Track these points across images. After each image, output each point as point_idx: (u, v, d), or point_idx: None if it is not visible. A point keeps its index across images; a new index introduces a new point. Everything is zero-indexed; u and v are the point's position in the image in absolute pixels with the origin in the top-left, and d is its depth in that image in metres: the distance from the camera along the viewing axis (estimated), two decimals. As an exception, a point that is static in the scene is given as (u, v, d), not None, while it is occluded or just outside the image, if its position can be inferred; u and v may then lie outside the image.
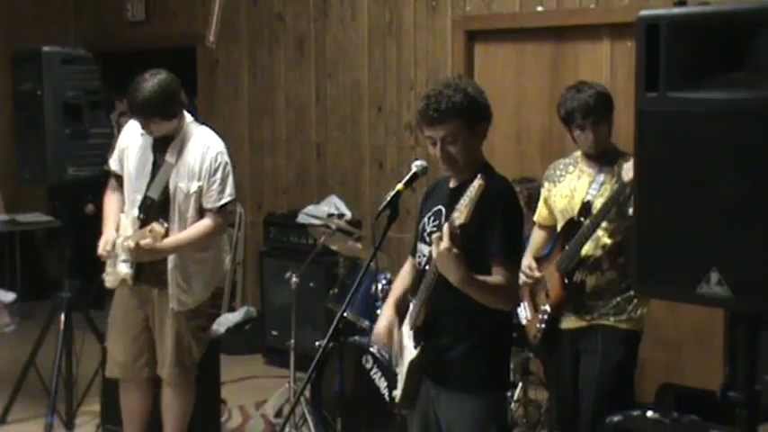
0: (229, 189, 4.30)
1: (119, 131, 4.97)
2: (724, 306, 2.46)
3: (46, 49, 5.09)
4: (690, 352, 5.39)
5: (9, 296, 7.59)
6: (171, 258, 4.30)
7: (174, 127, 4.29)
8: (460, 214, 2.82)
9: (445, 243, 2.84)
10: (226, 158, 4.33)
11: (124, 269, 4.32)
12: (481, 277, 2.98)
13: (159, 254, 4.24)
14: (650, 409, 3.42)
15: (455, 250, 2.85)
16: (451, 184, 3.19)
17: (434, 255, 2.88)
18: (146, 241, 4.14)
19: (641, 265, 2.45)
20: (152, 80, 4.17)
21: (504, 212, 3.03)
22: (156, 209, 4.29)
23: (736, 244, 2.24)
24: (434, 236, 2.89)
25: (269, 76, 7.34)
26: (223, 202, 4.28)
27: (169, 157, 4.30)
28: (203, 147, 4.29)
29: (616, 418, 3.38)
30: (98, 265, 4.53)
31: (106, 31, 8.41)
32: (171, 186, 4.28)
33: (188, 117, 4.39)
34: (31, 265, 8.11)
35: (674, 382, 4.74)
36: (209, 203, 4.26)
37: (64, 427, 5.13)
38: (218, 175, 4.27)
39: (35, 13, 8.47)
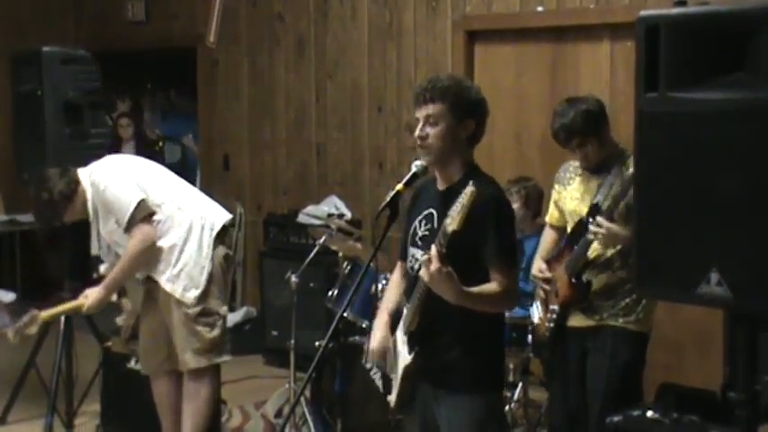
0: (125, 202, 4.29)
1: (116, 132, 5.00)
2: (724, 307, 2.46)
3: (46, 49, 5.09)
4: (690, 352, 5.39)
5: (9, 296, 7.59)
6: (155, 276, 4.40)
7: (78, 205, 4.41)
8: (452, 221, 2.81)
9: (435, 264, 2.84)
10: (107, 182, 4.34)
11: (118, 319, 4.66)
12: (476, 289, 2.98)
13: (107, 297, 4.46)
14: (650, 409, 3.42)
15: (446, 269, 2.85)
16: (440, 186, 3.18)
17: (426, 278, 2.88)
18: (89, 304, 4.42)
19: (641, 265, 2.46)
20: (33, 201, 4.47)
21: (496, 216, 3.02)
22: (109, 259, 4.50)
23: (736, 244, 2.24)
24: (423, 258, 2.89)
25: (269, 76, 7.33)
26: (126, 219, 4.28)
27: (90, 215, 4.43)
28: (95, 190, 4.37)
29: (617, 419, 3.38)
30: (97, 266, 4.56)
31: (106, 32, 8.40)
32: (105, 236, 4.44)
33: (84, 173, 4.44)
34: (31, 265, 8.11)
35: (675, 382, 4.73)
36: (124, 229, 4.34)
37: (64, 427, 5.12)
38: (110, 202, 4.32)
39: (35, 13, 8.46)
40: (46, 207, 4.41)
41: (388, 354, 3.29)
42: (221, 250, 4.49)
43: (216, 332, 4.44)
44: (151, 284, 4.47)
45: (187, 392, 4.50)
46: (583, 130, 3.79)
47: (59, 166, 4.49)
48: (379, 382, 4.46)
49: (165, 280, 4.39)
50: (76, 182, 4.40)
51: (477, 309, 3.01)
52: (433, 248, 2.87)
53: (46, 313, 4.51)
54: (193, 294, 4.38)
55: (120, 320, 4.71)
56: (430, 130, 3.07)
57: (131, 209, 4.27)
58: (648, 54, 2.35)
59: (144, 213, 4.30)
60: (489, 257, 3.03)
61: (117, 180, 4.36)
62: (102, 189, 4.34)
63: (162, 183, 4.49)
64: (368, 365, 4.55)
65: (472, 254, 2.98)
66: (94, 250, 4.51)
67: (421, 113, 3.09)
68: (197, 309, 4.39)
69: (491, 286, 3.02)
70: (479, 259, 3.02)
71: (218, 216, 4.52)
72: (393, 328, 3.26)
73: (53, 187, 4.36)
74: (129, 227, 4.29)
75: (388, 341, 3.25)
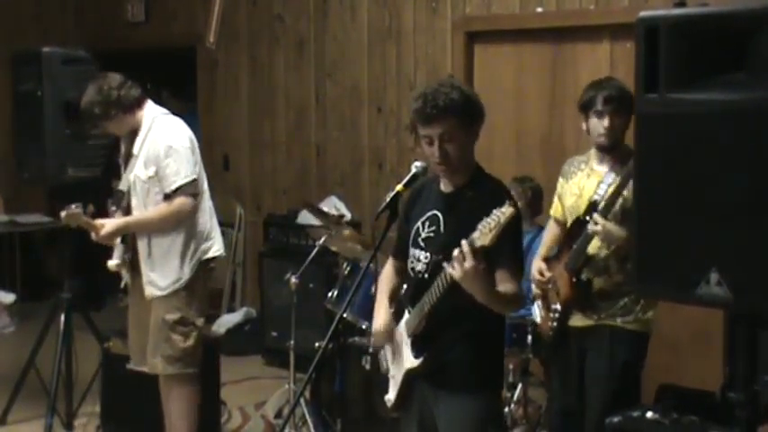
0: (184, 171, 4.28)
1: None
2: (724, 307, 2.46)
3: (46, 49, 5.09)
4: (689, 353, 5.38)
5: (9, 297, 7.59)
6: (140, 247, 4.39)
7: (127, 123, 4.37)
8: (483, 236, 2.77)
9: (470, 262, 2.81)
10: (179, 143, 4.31)
11: (110, 262, 4.50)
12: (501, 289, 3.00)
13: (121, 233, 4.39)
14: (650, 409, 3.42)
15: (482, 266, 2.84)
16: (444, 188, 3.17)
17: (457, 274, 2.84)
18: (105, 230, 4.31)
19: (641, 265, 2.46)
20: (89, 89, 4.36)
21: (509, 223, 3.01)
22: (127, 200, 4.42)
23: (736, 244, 2.24)
24: (455, 254, 2.84)
25: (269, 76, 7.34)
26: (177, 185, 4.26)
27: (135, 150, 4.38)
28: (157, 135, 4.33)
29: (616, 419, 3.38)
30: (97, 265, 4.55)
31: (106, 32, 8.41)
32: (132, 177, 4.38)
33: (153, 109, 4.42)
34: (31, 265, 8.11)
35: (674, 382, 4.74)
36: (165, 189, 4.30)
37: (63, 427, 5.13)
38: (170, 159, 4.27)
39: (35, 13, 8.47)
40: (97, 104, 4.31)
41: (387, 350, 3.29)
42: (203, 270, 4.48)
43: (189, 342, 4.43)
44: (138, 277, 4.46)
45: (168, 396, 4.51)
46: (621, 100, 3.78)
47: (59, 164, 4.43)
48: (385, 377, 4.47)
49: (147, 266, 4.38)
50: (139, 103, 4.37)
51: (493, 308, 3.02)
52: (465, 244, 2.81)
53: (85, 219, 4.41)
54: (149, 293, 4.37)
55: (112, 264, 4.60)
56: (449, 148, 3.02)
57: (185, 180, 4.27)
58: (648, 55, 2.35)
59: (193, 191, 4.30)
60: (501, 262, 3.02)
61: (187, 147, 4.33)
62: (168, 142, 4.28)
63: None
64: (367, 367, 4.55)
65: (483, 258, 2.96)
66: (123, 186, 4.46)
67: (433, 132, 3.02)
68: (175, 316, 4.38)
69: (508, 288, 3.02)
70: (488, 262, 2.98)
71: (215, 247, 4.51)
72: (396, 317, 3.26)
73: (115, 88, 4.31)
74: (174, 194, 4.27)
75: (392, 325, 3.25)
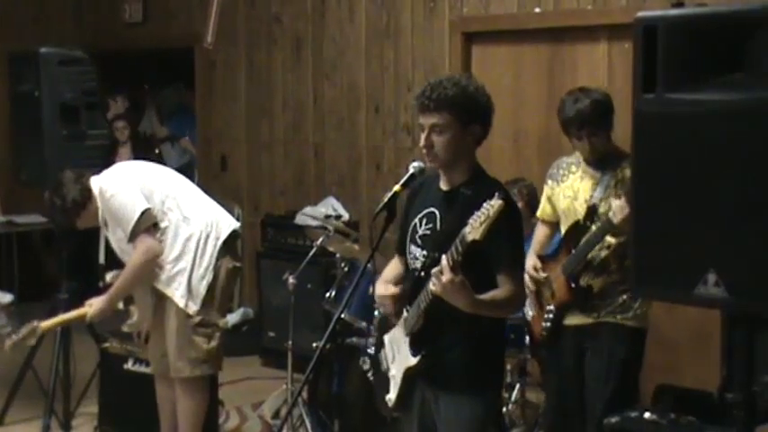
0: (128, 211, 4.26)
1: (112, 134, 5.01)
2: (721, 307, 2.46)
3: (43, 50, 5.09)
4: (687, 353, 5.39)
5: (6, 297, 7.58)
6: (161, 279, 4.37)
7: (89, 215, 4.39)
8: (474, 230, 2.76)
9: (447, 275, 2.82)
10: (111, 191, 4.30)
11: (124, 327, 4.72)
12: (488, 297, 2.98)
13: (110, 308, 4.45)
14: (648, 410, 3.42)
15: (459, 279, 2.83)
16: (444, 187, 3.16)
17: (438, 289, 2.86)
18: (92, 313, 4.42)
19: (639, 265, 2.46)
20: (49, 208, 4.44)
21: (507, 222, 2.97)
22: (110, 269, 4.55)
23: (734, 245, 2.24)
24: (434, 270, 2.86)
25: (266, 77, 7.33)
26: (129, 230, 4.26)
27: (100, 222, 4.44)
28: (102, 199, 4.34)
29: (614, 419, 3.38)
30: (95, 266, 4.56)
31: (104, 33, 8.40)
32: (113, 244, 4.45)
33: (95, 183, 4.39)
34: (29, 266, 8.09)
35: (672, 383, 4.74)
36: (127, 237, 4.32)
37: (61, 428, 5.13)
38: (113, 211, 4.30)
39: (33, 14, 8.45)
40: (59, 212, 4.39)
41: (385, 349, 3.29)
42: (228, 262, 4.46)
43: (213, 344, 4.43)
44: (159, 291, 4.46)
45: (180, 396, 4.50)
46: (595, 120, 3.79)
47: (56, 165, 4.46)
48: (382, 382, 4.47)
49: (167, 287, 4.37)
50: (89, 190, 4.36)
51: (487, 315, 3.02)
52: (444, 260, 2.84)
53: (46, 324, 4.50)
54: (192, 308, 4.36)
55: (126, 327, 4.68)
56: (436, 139, 3.04)
57: (135, 219, 4.23)
58: (646, 55, 2.36)
59: (148, 224, 4.26)
60: (500, 263, 3.02)
61: (122, 189, 4.32)
62: (108, 198, 4.30)
63: (169, 189, 4.43)
64: (365, 367, 4.55)
65: (481, 259, 2.95)
66: (102, 259, 4.50)
67: (426, 121, 3.05)
68: (196, 319, 4.38)
69: (501, 292, 3.01)
70: (488, 264, 3.00)
71: (225, 225, 4.48)
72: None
73: (66, 194, 4.33)
74: (133, 237, 4.26)
75: (393, 289, 3.23)
